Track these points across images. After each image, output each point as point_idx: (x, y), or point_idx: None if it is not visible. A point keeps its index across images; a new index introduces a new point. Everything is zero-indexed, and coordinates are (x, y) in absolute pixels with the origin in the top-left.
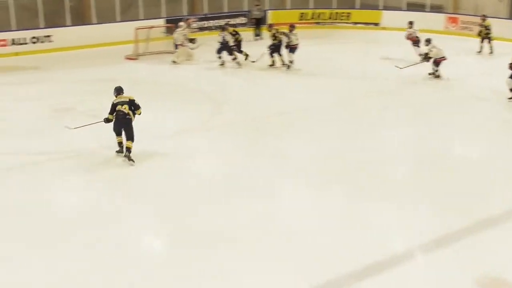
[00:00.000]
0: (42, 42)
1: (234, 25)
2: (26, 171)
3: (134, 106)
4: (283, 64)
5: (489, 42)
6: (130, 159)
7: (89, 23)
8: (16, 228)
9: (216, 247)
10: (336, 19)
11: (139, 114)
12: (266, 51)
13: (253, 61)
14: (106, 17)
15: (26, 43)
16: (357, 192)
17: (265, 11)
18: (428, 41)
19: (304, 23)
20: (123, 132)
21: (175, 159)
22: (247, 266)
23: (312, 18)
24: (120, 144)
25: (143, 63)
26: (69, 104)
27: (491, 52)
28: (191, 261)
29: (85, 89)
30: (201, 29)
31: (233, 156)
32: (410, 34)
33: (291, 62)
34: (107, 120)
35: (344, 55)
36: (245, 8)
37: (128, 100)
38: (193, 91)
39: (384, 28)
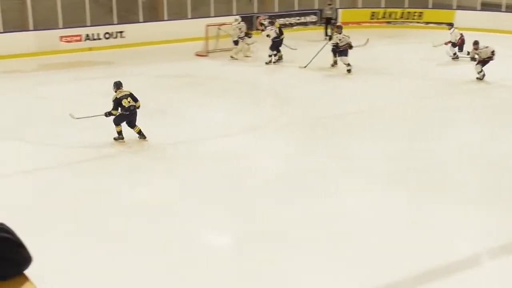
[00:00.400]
0: (114, 37)
1: (305, 23)
2: (99, 164)
3: (134, 98)
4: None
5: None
6: (144, 136)
7: (160, 19)
8: (88, 220)
9: (278, 246)
10: (407, 19)
11: (139, 107)
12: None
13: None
14: (177, 14)
15: (99, 39)
16: (422, 193)
17: (336, 10)
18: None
19: (375, 22)
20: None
21: (240, 157)
22: (307, 266)
23: (383, 17)
24: (120, 133)
25: (212, 60)
26: (139, 99)
27: None
28: (252, 259)
29: (155, 84)
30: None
31: (297, 155)
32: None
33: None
34: (109, 114)
35: (414, 55)
36: (316, 7)
37: (129, 93)
38: (259, 89)
39: (456, 28)
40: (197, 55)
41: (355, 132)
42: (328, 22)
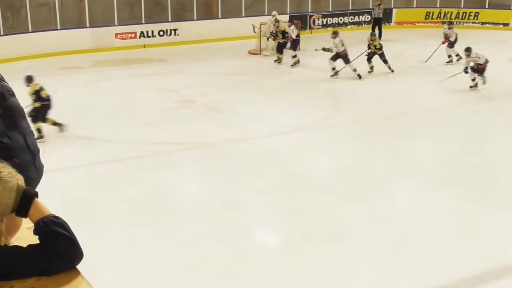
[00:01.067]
0: (168, 35)
1: (359, 23)
2: (155, 160)
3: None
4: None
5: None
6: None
7: (214, 17)
8: (141, 213)
9: (330, 245)
10: (463, 19)
11: None
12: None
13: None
14: (231, 12)
15: (154, 36)
16: (476, 196)
17: (385, 10)
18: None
19: (430, 22)
20: None
21: (292, 155)
22: (358, 266)
23: (438, 17)
24: (40, 130)
25: (265, 58)
26: (191, 96)
27: None
28: (305, 257)
29: (208, 82)
30: (324, 25)
31: (351, 154)
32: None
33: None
34: None
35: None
36: (370, 6)
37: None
38: (313, 88)
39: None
40: (250, 53)
41: (409, 133)
42: (377, 22)
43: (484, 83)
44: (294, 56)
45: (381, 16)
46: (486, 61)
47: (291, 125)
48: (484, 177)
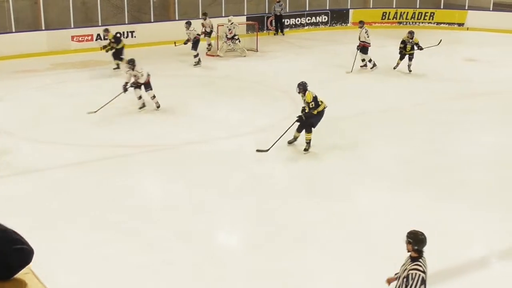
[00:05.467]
0: (125, 37)
1: (316, 24)
2: (112, 163)
3: None
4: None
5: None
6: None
7: (171, 19)
8: (102, 216)
9: (295, 246)
10: (419, 19)
11: None
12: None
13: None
14: (188, 14)
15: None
16: (436, 195)
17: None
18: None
19: (387, 22)
20: None
21: (253, 157)
22: (323, 266)
23: (395, 17)
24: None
25: (223, 60)
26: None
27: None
28: (270, 258)
29: (167, 84)
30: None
31: (313, 155)
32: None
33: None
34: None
35: (426, 56)
36: (327, 7)
37: None
38: (273, 88)
39: (468, 29)
40: (208, 55)
41: (370, 132)
42: (278, 19)
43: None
44: (196, 55)
45: (282, 13)
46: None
47: (251, 126)
48: (446, 177)
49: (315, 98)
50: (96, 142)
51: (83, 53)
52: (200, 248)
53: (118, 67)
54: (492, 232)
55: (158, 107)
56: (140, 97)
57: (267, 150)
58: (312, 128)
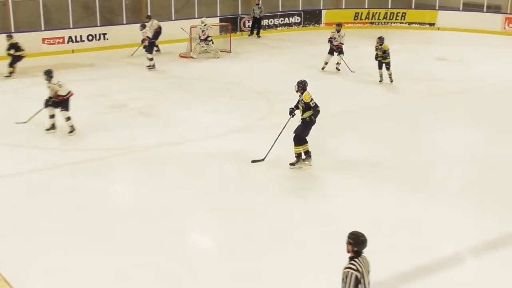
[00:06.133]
0: (98, 39)
1: (289, 25)
2: (86, 167)
3: None
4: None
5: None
6: None
7: (144, 21)
8: (78, 220)
9: (267, 246)
10: (391, 19)
11: None
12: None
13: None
14: (161, 16)
15: (82, 41)
16: (410, 193)
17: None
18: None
19: (359, 22)
20: None
21: (229, 158)
22: (301, 266)
23: (367, 18)
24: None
25: (196, 62)
26: (123, 101)
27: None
28: (245, 259)
29: (140, 86)
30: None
31: (288, 156)
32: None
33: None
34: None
35: (398, 55)
36: (300, 8)
37: None
38: (247, 89)
39: (439, 29)
40: (181, 56)
41: (345, 132)
42: (256, 22)
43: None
44: (151, 59)
45: (261, 15)
46: None
47: (225, 128)
48: (419, 175)
49: (311, 100)
50: (69, 146)
51: (55, 55)
52: (175, 251)
53: (9, 75)
54: (465, 228)
55: (71, 132)
56: (52, 116)
57: (263, 160)
58: (300, 141)
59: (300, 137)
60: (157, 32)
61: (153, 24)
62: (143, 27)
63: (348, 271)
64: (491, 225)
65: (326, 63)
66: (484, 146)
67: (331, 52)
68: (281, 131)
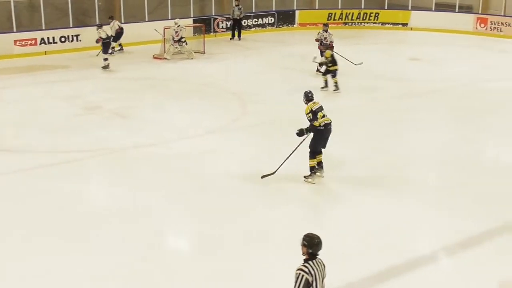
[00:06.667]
0: (71, 41)
1: (263, 25)
2: (62, 168)
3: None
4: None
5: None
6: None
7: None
8: (52, 222)
9: (242, 247)
10: (364, 20)
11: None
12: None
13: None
14: (134, 17)
15: (55, 42)
16: (384, 193)
17: (288, 12)
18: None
19: (332, 23)
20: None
21: (204, 159)
22: (275, 267)
23: (340, 18)
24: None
25: (170, 63)
26: (98, 102)
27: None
28: (220, 260)
29: (114, 87)
30: (228, 29)
31: (262, 156)
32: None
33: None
34: (302, 133)
35: (371, 56)
36: (273, 8)
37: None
38: (221, 90)
39: (412, 29)
40: (155, 57)
41: None
42: (236, 23)
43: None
44: (105, 59)
45: (241, 17)
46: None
47: (200, 128)
48: (394, 175)
49: (314, 112)
50: (44, 148)
51: (27, 57)
52: (151, 252)
53: None
54: (439, 228)
55: None
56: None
57: (273, 173)
58: (314, 153)
59: (313, 152)
60: (119, 33)
61: (114, 25)
62: (100, 27)
63: (299, 273)
64: (465, 224)
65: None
66: (457, 146)
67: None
68: (297, 147)
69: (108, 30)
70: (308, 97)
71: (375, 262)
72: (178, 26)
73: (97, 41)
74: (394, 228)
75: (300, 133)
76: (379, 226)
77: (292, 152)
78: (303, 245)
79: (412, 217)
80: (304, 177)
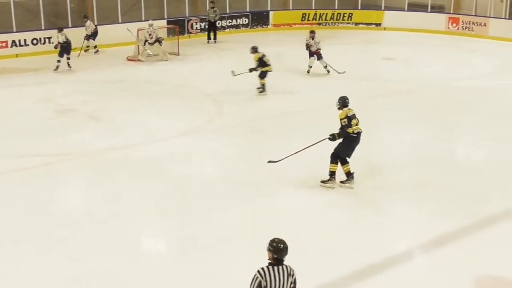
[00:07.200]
0: (43, 43)
1: (237, 26)
2: (35, 173)
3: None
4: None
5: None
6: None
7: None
8: (26, 226)
9: (217, 248)
10: (338, 20)
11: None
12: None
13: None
14: (108, 19)
15: (27, 45)
16: (359, 192)
17: (262, 12)
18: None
19: (306, 23)
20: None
21: (177, 161)
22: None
23: (314, 19)
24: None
25: (144, 65)
26: (71, 105)
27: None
28: (194, 262)
29: (88, 90)
30: (203, 30)
31: (236, 157)
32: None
33: None
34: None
35: (345, 56)
36: (247, 9)
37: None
38: (195, 91)
39: (385, 29)
40: (129, 59)
41: (292, 133)
42: (212, 26)
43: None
44: (58, 61)
45: (216, 19)
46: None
47: (174, 130)
48: (367, 174)
49: (349, 118)
50: (16, 152)
51: None
52: (126, 256)
53: None
54: (414, 226)
55: None
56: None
57: (277, 161)
58: (336, 159)
59: (337, 155)
60: (95, 32)
61: (90, 25)
62: (60, 30)
63: (255, 274)
64: (439, 222)
65: (310, 67)
66: (430, 145)
67: (312, 55)
68: (313, 144)
69: (64, 35)
70: (345, 103)
71: (350, 261)
72: (151, 28)
73: (55, 47)
74: (368, 227)
75: (332, 138)
76: (353, 225)
77: (305, 148)
78: (268, 250)
79: (386, 216)
80: (322, 182)
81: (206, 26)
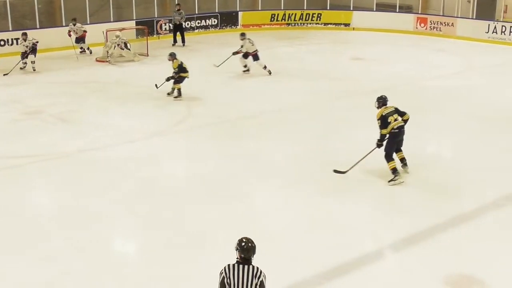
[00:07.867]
0: (10, 44)
1: (206, 27)
2: (5, 174)
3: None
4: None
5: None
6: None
7: (58, 25)
8: None
9: (192, 248)
10: (307, 20)
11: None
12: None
13: None
14: (77, 19)
15: None
16: (329, 192)
17: (231, 13)
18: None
19: (275, 24)
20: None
21: (149, 162)
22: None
23: (283, 19)
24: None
25: (113, 66)
26: (39, 107)
27: None
28: (167, 264)
29: (56, 91)
30: (171, 30)
31: (207, 158)
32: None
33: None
34: (379, 144)
35: (315, 56)
36: (216, 10)
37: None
38: (165, 92)
39: (354, 29)
40: (98, 60)
41: (263, 133)
42: (178, 29)
43: None
44: (25, 63)
45: (181, 21)
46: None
47: (144, 132)
48: (335, 174)
49: (384, 118)
50: None
51: None
52: (97, 258)
53: None
54: (384, 225)
55: None
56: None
57: (345, 172)
58: (388, 156)
59: (387, 154)
60: (84, 35)
61: (79, 29)
62: (25, 36)
63: (221, 270)
64: (409, 221)
65: (245, 66)
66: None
67: (245, 56)
68: (372, 150)
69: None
70: (385, 102)
71: (321, 260)
72: (118, 38)
73: (22, 56)
74: (338, 226)
75: (380, 145)
76: (323, 225)
77: (367, 155)
78: (236, 249)
79: (356, 215)
80: (389, 181)
81: (171, 29)
